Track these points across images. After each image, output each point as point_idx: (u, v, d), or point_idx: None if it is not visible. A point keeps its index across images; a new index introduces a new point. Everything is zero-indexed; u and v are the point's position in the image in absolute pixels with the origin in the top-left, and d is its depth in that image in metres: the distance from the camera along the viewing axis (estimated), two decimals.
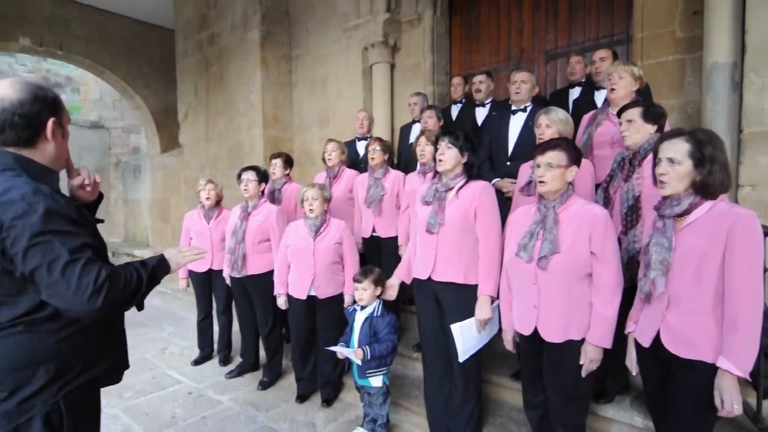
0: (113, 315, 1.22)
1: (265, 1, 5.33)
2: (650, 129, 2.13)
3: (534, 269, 1.87)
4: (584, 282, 1.84)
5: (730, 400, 1.43)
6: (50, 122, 1.20)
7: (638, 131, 2.13)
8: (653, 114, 2.14)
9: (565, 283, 1.83)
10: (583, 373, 1.85)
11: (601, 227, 1.80)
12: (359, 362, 2.48)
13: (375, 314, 2.55)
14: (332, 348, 2.62)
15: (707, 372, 1.49)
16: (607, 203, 2.22)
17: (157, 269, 1.32)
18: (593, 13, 3.89)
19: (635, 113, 2.14)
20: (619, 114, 2.26)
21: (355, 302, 2.68)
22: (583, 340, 1.84)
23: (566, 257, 1.81)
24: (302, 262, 2.96)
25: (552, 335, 1.87)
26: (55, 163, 1.26)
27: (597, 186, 2.46)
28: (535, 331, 1.91)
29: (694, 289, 1.52)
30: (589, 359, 1.82)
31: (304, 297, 2.97)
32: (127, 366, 1.42)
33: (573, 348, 1.85)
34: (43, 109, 1.19)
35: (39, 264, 1.07)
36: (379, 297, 2.57)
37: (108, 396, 3.17)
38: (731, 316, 1.45)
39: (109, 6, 7.49)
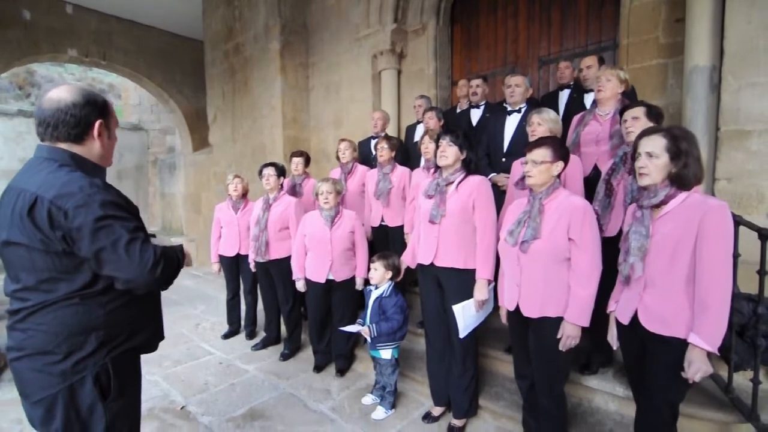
0: (161, 287, 1.27)
1: (284, 14, 5.30)
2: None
3: (517, 252, 1.88)
4: (563, 266, 1.83)
5: (695, 370, 1.45)
6: (97, 123, 1.23)
7: (643, 128, 2.08)
8: (654, 113, 2.11)
9: (543, 265, 1.83)
10: (561, 347, 1.83)
11: (579, 216, 1.78)
12: (368, 338, 2.53)
13: (384, 295, 2.57)
14: (345, 328, 2.66)
15: (679, 347, 1.49)
16: (609, 194, 2.19)
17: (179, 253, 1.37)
18: (583, 22, 3.81)
19: (640, 111, 2.11)
20: (621, 113, 2.22)
21: (367, 283, 2.71)
22: (559, 319, 1.83)
23: (545, 242, 1.80)
24: (320, 250, 2.97)
25: (530, 311, 1.88)
26: (103, 160, 1.29)
27: (586, 179, 2.44)
28: (518, 307, 1.92)
29: (669, 272, 1.52)
30: (567, 335, 1.81)
31: (323, 281, 2.98)
32: (162, 337, 1.45)
33: (550, 324, 1.85)
34: (92, 111, 1.22)
35: (104, 245, 1.11)
36: (390, 280, 2.58)
37: (149, 365, 3.25)
38: (701, 297, 1.44)
39: (146, 20, 7.52)
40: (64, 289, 1.15)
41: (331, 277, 2.98)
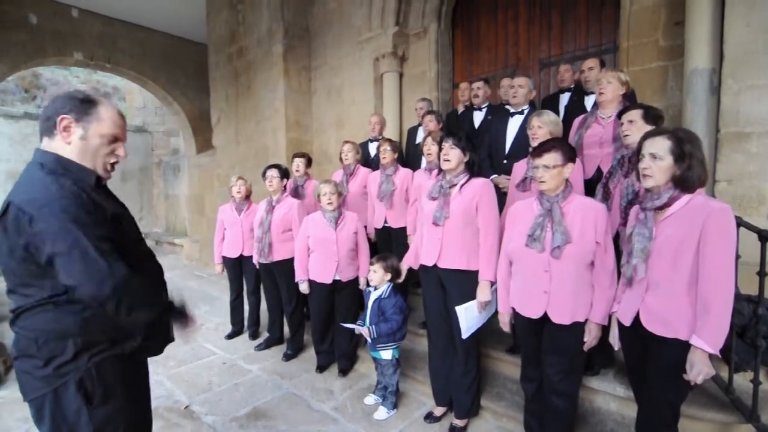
0: (123, 311, 1.15)
1: (287, 18, 5.32)
2: (649, 129, 2.08)
3: (547, 258, 1.83)
4: (588, 269, 1.83)
5: (697, 372, 1.44)
6: (59, 118, 1.17)
7: (639, 131, 2.07)
8: (653, 116, 2.09)
9: (574, 269, 1.81)
10: (586, 348, 1.85)
11: (603, 219, 1.80)
12: (368, 339, 2.53)
13: (383, 296, 2.57)
14: (347, 325, 2.66)
15: (681, 348, 1.49)
16: (606, 197, 2.18)
17: (170, 309, 1.33)
18: (583, 24, 3.81)
19: (636, 114, 2.10)
20: (620, 115, 2.22)
21: (368, 283, 2.72)
22: (584, 321, 1.84)
23: (576, 246, 1.79)
24: (326, 251, 2.97)
25: (561, 318, 1.84)
26: (86, 163, 1.21)
27: (586, 181, 2.44)
28: (544, 314, 1.88)
29: (671, 274, 1.51)
30: (594, 336, 1.82)
31: (329, 281, 2.98)
32: (171, 340, 1.45)
33: (577, 328, 1.84)
34: (63, 105, 1.18)
35: (61, 250, 1.07)
36: (390, 281, 2.58)
37: (154, 365, 3.21)
38: (704, 299, 1.44)
39: (150, 23, 7.55)
40: (37, 295, 1.14)
41: (337, 278, 2.98)
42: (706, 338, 1.42)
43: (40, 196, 1.08)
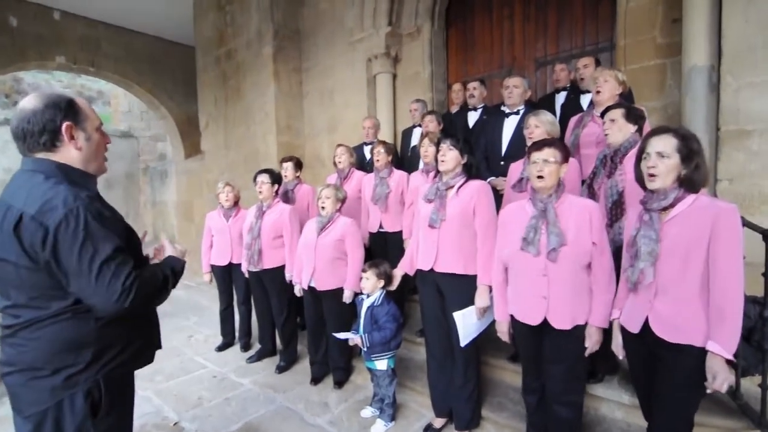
0: (142, 311, 1.23)
1: (277, 18, 5.31)
2: (631, 128, 2.09)
3: (543, 262, 1.79)
4: (585, 271, 1.80)
5: (722, 380, 1.40)
6: (64, 126, 1.17)
7: (620, 130, 2.10)
8: (634, 115, 2.10)
9: (572, 272, 1.78)
10: (587, 354, 1.81)
11: (598, 218, 1.77)
12: (362, 348, 2.50)
13: (376, 304, 2.53)
14: (338, 335, 2.61)
15: (695, 354, 1.45)
16: (591, 198, 2.18)
17: (176, 266, 1.37)
18: (579, 23, 3.83)
19: (618, 113, 2.10)
20: (602, 115, 2.23)
21: (357, 294, 2.69)
22: (584, 324, 1.81)
23: (573, 248, 1.76)
24: (307, 256, 2.94)
25: (562, 323, 1.80)
26: (89, 166, 1.24)
27: (582, 182, 2.43)
28: (543, 320, 1.84)
29: (682, 278, 1.48)
30: (595, 341, 1.79)
31: (305, 287, 2.97)
32: (159, 346, 1.45)
33: (577, 332, 1.81)
34: (55, 114, 1.16)
35: (75, 267, 1.09)
36: (383, 288, 2.55)
37: (141, 380, 3.16)
38: (719, 304, 1.41)
39: (135, 26, 7.50)
40: (56, 305, 1.13)
41: (312, 285, 2.92)
42: (723, 343, 1.39)
43: (56, 206, 1.08)
